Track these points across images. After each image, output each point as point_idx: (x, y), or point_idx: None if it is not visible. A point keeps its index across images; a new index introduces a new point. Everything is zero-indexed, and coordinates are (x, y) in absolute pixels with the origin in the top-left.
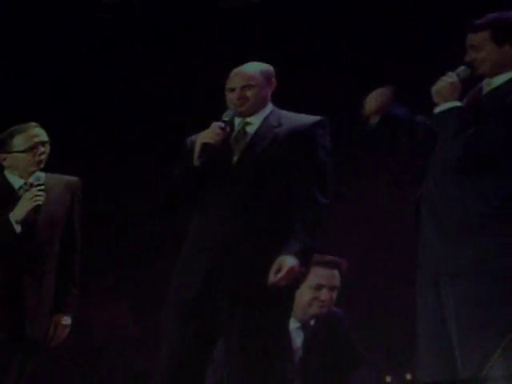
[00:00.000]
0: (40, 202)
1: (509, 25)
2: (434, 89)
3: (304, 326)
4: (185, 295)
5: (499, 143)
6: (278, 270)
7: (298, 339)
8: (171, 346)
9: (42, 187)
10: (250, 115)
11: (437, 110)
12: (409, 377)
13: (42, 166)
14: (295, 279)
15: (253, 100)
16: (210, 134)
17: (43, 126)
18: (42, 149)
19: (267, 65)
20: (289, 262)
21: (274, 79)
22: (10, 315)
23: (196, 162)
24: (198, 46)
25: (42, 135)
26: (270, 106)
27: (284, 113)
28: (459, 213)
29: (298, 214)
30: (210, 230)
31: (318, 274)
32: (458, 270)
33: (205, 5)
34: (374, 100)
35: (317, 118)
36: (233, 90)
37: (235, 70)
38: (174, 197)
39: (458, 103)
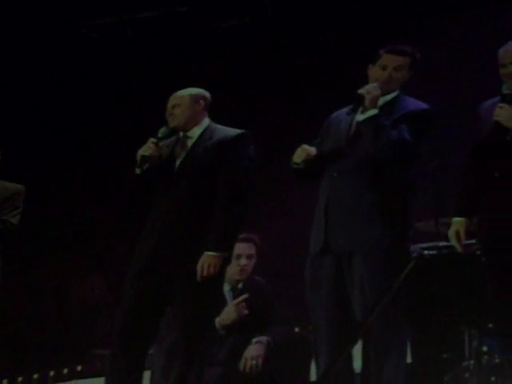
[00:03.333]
0: None
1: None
2: (365, 93)
3: (233, 289)
4: (135, 269)
5: (407, 143)
6: (202, 267)
7: (229, 299)
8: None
9: None
10: (185, 130)
11: (364, 115)
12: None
13: None
14: (220, 265)
15: (188, 119)
16: (145, 148)
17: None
18: None
19: (198, 89)
20: (207, 258)
21: (202, 100)
22: None
23: (137, 171)
24: (187, 66)
25: None
26: (206, 122)
27: (218, 127)
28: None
29: (217, 211)
30: (157, 218)
31: (237, 247)
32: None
33: (195, 26)
34: (301, 152)
35: (240, 130)
36: (168, 109)
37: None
38: (128, 197)
39: (377, 111)
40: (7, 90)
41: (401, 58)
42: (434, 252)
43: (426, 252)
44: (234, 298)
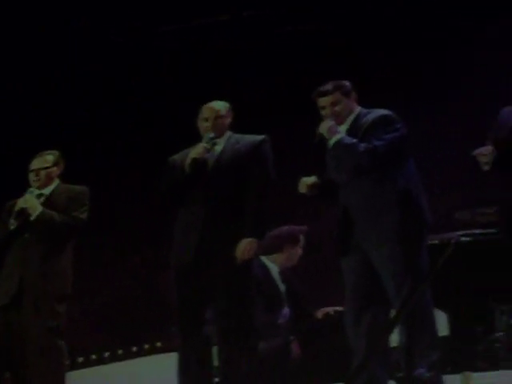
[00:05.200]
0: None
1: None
2: (322, 130)
3: (282, 272)
4: (184, 260)
5: (376, 148)
6: (243, 252)
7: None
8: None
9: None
10: (218, 138)
11: (331, 142)
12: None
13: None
14: (255, 249)
15: (222, 128)
16: (197, 151)
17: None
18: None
19: (226, 102)
20: (246, 243)
21: (231, 112)
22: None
23: (188, 170)
24: (206, 67)
25: (46, 162)
26: (228, 131)
27: (238, 135)
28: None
29: (251, 202)
30: (198, 211)
31: (303, 239)
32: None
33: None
34: (301, 185)
35: (262, 136)
36: (207, 119)
37: (207, 105)
38: (173, 194)
39: (340, 135)
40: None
41: (328, 98)
42: (471, 238)
43: (463, 238)
44: (281, 279)
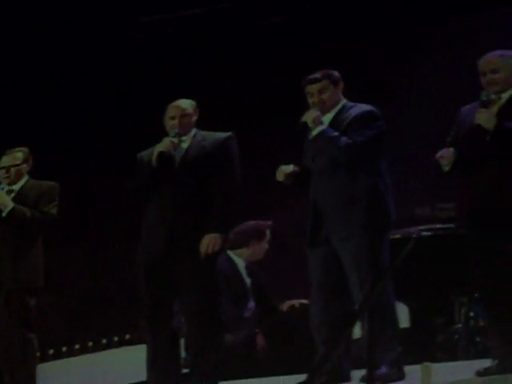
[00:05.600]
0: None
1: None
2: (306, 119)
3: (247, 266)
4: (152, 253)
5: (355, 144)
6: (207, 246)
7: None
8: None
9: None
10: (184, 135)
11: (314, 133)
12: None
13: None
14: (220, 245)
15: (188, 125)
16: (164, 145)
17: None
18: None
19: (192, 100)
20: (210, 238)
21: (197, 110)
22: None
23: (155, 164)
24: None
25: (16, 159)
26: (194, 129)
27: (204, 132)
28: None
29: (217, 198)
30: (162, 211)
31: (268, 234)
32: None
33: (241, 23)
34: (279, 173)
35: (228, 133)
36: (173, 117)
37: (173, 103)
38: (141, 188)
39: (323, 127)
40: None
41: (316, 85)
42: (431, 233)
43: (424, 233)
44: (248, 273)
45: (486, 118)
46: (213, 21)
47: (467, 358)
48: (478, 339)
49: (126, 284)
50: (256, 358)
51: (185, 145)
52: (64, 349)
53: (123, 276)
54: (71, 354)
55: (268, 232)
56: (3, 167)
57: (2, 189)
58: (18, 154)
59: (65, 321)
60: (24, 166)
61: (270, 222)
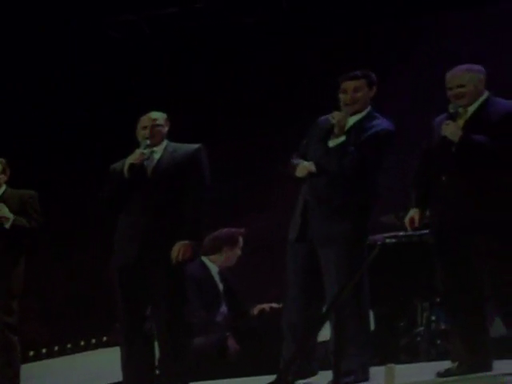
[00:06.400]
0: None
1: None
2: (334, 120)
3: (220, 272)
4: (125, 260)
5: (366, 164)
6: (178, 252)
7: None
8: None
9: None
10: (155, 146)
11: (335, 140)
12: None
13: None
14: (191, 252)
15: (159, 136)
16: (134, 157)
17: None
18: None
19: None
20: (182, 245)
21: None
22: None
23: (126, 176)
24: (202, 64)
25: None
26: (166, 140)
27: (175, 144)
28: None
29: (188, 207)
30: (135, 220)
31: (241, 241)
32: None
33: (214, 23)
34: (303, 169)
35: (198, 145)
36: (145, 128)
37: (145, 115)
38: (113, 199)
39: (345, 137)
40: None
41: (354, 82)
42: (395, 240)
43: (388, 240)
44: (220, 278)
45: (451, 130)
46: (189, 20)
47: (429, 359)
48: (438, 342)
49: (103, 288)
50: (227, 360)
51: (157, 156)
52: (44, 350)
53: (100, 280)
54: (51, 355)
55: (241, 239)
56: None
57: None
58: None
59: (44, 323)
60: (2, 176)
61: (242, 230)
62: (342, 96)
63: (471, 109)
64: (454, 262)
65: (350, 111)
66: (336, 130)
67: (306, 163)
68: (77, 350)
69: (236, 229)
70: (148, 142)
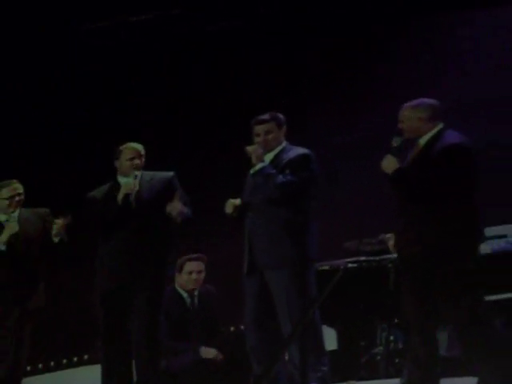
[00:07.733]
0: (16, 230)
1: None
2: (251, 154)
3: (191, 296)
4: (106, 288)
5: (290, 183)
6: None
7: (188, 303)
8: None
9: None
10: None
11: (255, 168)
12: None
13: (19, 207)
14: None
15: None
16: (129, 188)
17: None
18: (17, 198)
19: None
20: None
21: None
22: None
23: (120, 204)
24: (181, 72)
25: (19, 189)
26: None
27: (148, 172)
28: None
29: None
30: (118, 247)
31: (189, 265)
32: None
33: (191, 29)
34: (229, 205)
35: (171, 172)
36: (133, 159)
37: (129, 146)
38: (101, 225)
39: (264, 164)
40: (7, 90)
41: (264, 126)
42: (357, 265)
43: (350, 265)
44: (191, 301)
45: (385, 165)
46: (165, 26)
47: (387, 376)
48: (396, 360)
49: (84, 309)
50: (210, 370)
51: (136, 183)
52: (28, 368)
53: (82, 301)
54: (35, 372)
55: (190, 264)
56: (13, 196)
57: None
58: (19, 185)
59: (29, 342)
60: (21, 198)
61: (195, 255)
62: (255, 138)
63: (422, 142)
64: (412, 286)
65: (265, 150)
66: (254, 160)
67: (231, 200)
68: (60, 367)
69: (189, 255)
70: (136, 172)
